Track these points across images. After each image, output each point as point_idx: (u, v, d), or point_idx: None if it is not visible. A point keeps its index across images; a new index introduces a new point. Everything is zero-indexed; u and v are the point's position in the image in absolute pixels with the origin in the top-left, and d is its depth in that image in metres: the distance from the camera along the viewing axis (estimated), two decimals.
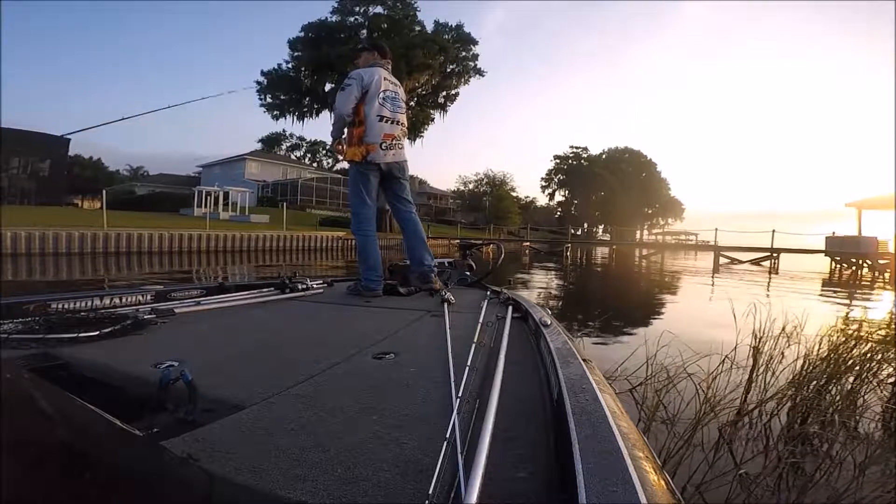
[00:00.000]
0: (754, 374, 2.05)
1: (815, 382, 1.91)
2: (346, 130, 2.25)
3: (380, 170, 2.23)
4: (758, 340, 2.15)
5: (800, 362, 2.04)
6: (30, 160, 26.75)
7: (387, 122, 2.19)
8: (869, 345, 2.17)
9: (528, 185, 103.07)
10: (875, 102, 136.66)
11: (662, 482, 0.46)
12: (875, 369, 2.06)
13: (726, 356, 1.99)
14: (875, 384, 2.03)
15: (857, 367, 2.03)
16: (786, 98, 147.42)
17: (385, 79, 2.22)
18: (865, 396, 1.96)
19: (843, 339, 2.18)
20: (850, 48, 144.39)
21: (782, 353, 2.17)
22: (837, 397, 1.89)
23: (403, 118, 2.30)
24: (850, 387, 1.96)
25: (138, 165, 46.45)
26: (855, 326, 2.48)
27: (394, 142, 2.22)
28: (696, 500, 1.33)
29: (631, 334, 3.74)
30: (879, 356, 2.09)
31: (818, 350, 2.09)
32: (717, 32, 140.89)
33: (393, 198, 2.36)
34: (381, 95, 2.18)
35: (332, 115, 2.25)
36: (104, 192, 13.75)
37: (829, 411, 1.80)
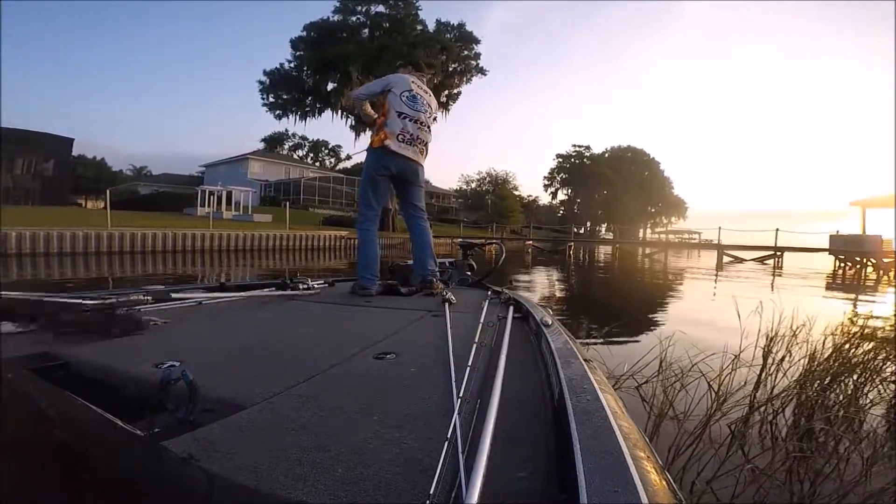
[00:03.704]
0: (763, 372, 2.05)
1: (818, 382, 1.91)
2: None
3: (390, 172, 2.28)
4: (768, 340, 2.14)
5: (807, 360, 2.04)
6: (34, 160, 26.91)
7: (405, 118, 2.27)
8: (874, 343, 2.16)
9: (531, 183, 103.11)
10: (878, 101, 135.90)
11: (663, 482, 0.46)
12: (880, 367, 2.05)
13: (736, 356, 1.98)
14: (879, 381, 2.03)
15: (863, 365, 2.02)
16: (789, 97, 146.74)
17: (413, 82, 2.35)
18: (870, 395, 1.95)
19: (849, 337, 2.18)
20: (852, 47, 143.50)
21: (790, 352, 2.17)
22: (842, 396, 1.89)
23: (426, 119, 2.36)
24: (855, 384, 1.96)
25: (141, 165, 46.74)
26: (861, 325, 2.47)
27: (411, 138, 2.28)
28: (707, 495, 1.32)
29: (637, 333, 3.73)
30: (883, 354, 2.09)
31: (824, 348, 2.08)
32: (720, 31, 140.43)
33: (406, 203, 2.42)
34: (406, 94, 2.29)
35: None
36: (108, 192, 13.82)
37: (835, 408, 1.80)
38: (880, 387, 2.01)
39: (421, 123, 2.31)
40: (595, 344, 2.99)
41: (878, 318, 4.28)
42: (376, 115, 2.32)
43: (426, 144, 2.37)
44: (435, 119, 2.47)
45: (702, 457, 1.48)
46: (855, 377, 1.99)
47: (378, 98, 2.34)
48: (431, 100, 2.42)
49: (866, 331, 2.31)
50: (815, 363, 2.00)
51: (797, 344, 2.22)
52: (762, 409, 1.82)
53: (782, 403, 1.83)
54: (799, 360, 2.10)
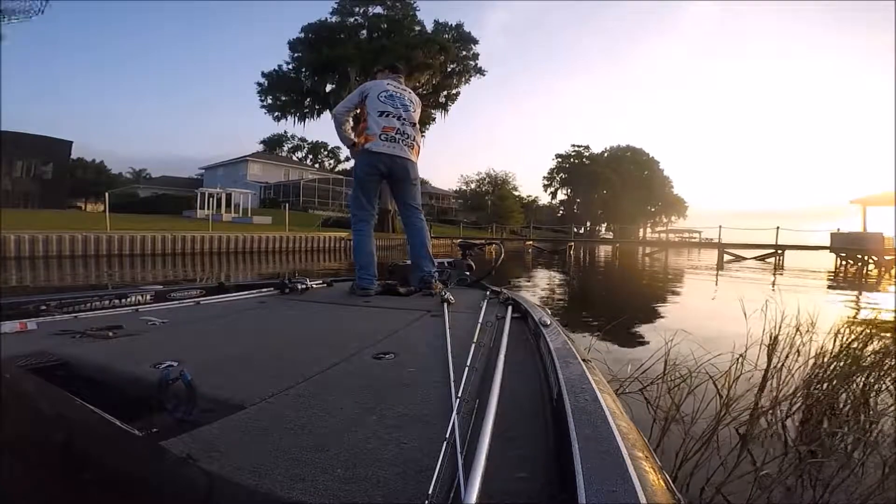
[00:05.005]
0: (769, 373, 2.01)
1: (827, 384, 1.87)
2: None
3: (379, 172, 2.28)
4: (772, 339, 2.11)
5: (814, 360, 2.00)
6: (33, 163, 26.90)
7: (386, 116, 2.28)
8: (883, 342, 2.12)
9: (530, 184, 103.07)
10: (878, 100, 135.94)
11: (662, 482, 0.46)
12: (892, 366, 2.00)
13: (740, 356, 1.95)
14: (891, 382, 1.97)
15: (873, 365, 1.98)
16: (789, 96, 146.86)
17: (388, 84, 2.37)
18: (881, 396, 1.91)
19: (857, 336, 2.13)
20: (852, 47, 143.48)
21: (798, 352, 2.13)
22: (852, 397, 1.85)
23: (408, 115, 2.35)
24: (867, 385, 1.92)
25: (141, 168, 46.77)
26: (868, 323, 2.43)
27: (395, 135, 2.28)
28: (718, 501, 1.31)
29: (639, 332, 3.71)
30: (894, 352, 2.04)
31: (832, 348, 2.04)
32: (720, 32, 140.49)
33: (401, 203, 2.41)
34: (383, 95, 2.31)
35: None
36: (107, 194, 13.84)
37: (846, 409, 1.76)
38: (892, 387, 1.96)
39: (403, 119, 2.32)
40: (597, 346, 2.97)
41: (884, 316, 4.26)
42: (354, 138, 2.34)
43: (414, 139, 2.36)
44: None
45: (710, 461, 1.45)
46: (865, 377, 1.94)
47: (359, 108, 2.36)
48: (412, 96, 2.44)
49: (874, 329, 2.28)
50: (824, 362, 1.95)
51: (803, 343, 2.17)
52: (770, 411, 1.79)
53: (791, 405, 1.80)
54: (807, 360, 2.06)
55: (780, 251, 15.97)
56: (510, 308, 1.47)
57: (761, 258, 16.37)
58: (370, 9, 23.79)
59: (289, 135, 47.11)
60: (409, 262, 2.41)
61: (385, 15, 23.73)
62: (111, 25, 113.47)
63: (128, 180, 41.69)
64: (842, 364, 1.95)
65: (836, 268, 13.78)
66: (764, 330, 2.17)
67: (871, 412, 1.78)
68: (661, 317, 4.83)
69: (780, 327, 2.18)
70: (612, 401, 0.66)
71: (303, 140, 48.64)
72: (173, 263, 10.20)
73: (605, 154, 53.06)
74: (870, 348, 2.07)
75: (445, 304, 1.58)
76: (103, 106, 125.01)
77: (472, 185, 44.67)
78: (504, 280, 6.19)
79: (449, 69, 24.44)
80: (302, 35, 23.87)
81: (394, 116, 2.28)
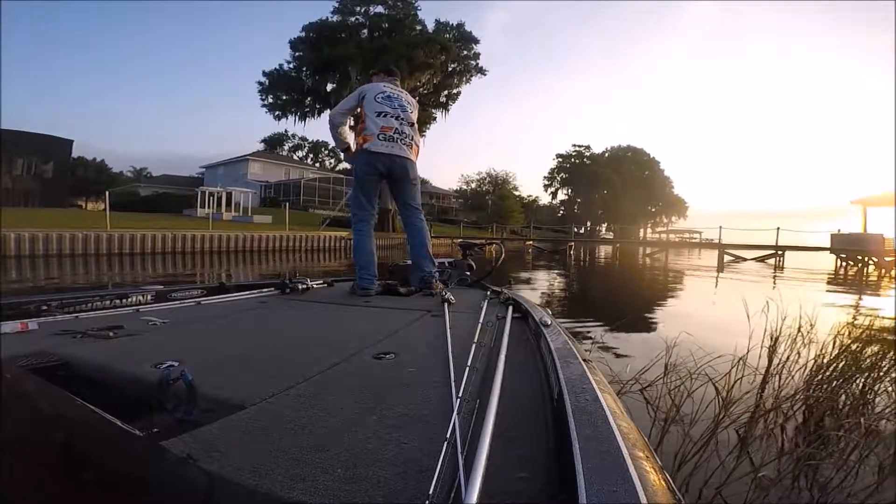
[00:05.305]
0: (768, 374, 2.01)
1: (826, 385, 1.87)
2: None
3: (379, 171, 2.29)
4: (773, 340, 2.10)
5: (814, 362, 2.00)
6: (33, 162, 26.91)
7: (384, 116, 2.29)
8: (881, 344, 2.12)
9: (531, 184, 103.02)
10: (878, 100, 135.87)
11: (662, 482, 0.46)
12: (889, 368, 1.99)
13: (741, 358, 1.95)
14: (889, 383, 1.96)
15: (873, 366, 1.97)
16: (789, 96, 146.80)
17: (385, 85, 2.39)
18: (880, 398, 1.90)
19: (857, 337, 2.13)
20: (852, 47, 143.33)
21: (798, 353, 2.13)
22: (851, 399, 1.85)
23: (406, 115, 2.36)
24: (864, 386, 1.91)
25: (141, 167, 46.77)
26: (868, 325, 2.42)
27: (393, 134, 2.29)
28: (717, 502, 1.30)
29: (640, 334, 3.71)
30: (892, 354, 2.03)
31: (832, 349, 2.04)
32: (720, 32, 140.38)
33: (400, 203, 2.41)
34: (380, 96, 2.32)
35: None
36: (108, 193, 13.85)
37: (844, 410, 1.76)
38: (890, 388, 1.95)
39: (401, 119, 2.33)
40: (597, 346, 2.96)
41: (883, 318, 4.25)
42: (349, 142, 2.36)
43: (412, 138, 2.37)
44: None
45: (709, 463, 1.45)
46: (864, 378, 1.93)
47: (357, 110, 2.38)
48: (409, 97, 2.46)
49: (873, 331, 2.27)
50: (825, 364, 1.95)
51: (804, 345, 2.17)
52: (770, 413, 1.78)
53: (791, 406, 1.80)
54: (806, 361, 2.06)
55: (780, 252, 15.96)
56: (511, 308, 1.47)
57: (762, 259, 16.35)
58: (371, 8, 23.79)
59: (289, 134, 47.21)
60: (409, 262, 2.41)
61: (386, 14, 23.73)
62: (111, 25, 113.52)
63: (128, 179, 41.69)
64: (841, 365, 1.95)
65: (836, 269, 13.76)
66: (765, 331, 2.17)
67: (869, 413, 1.78)
68: (662, 318, 4.83)
69: (780, 329, 2.17)
70: (613, 401, 0.66)
71: (303, 139, 48.73)
72: (174, 262, 10.20)
73: (606, 154, 53.06)
74: (869, 350, 2.06)
75: (446, 304, 1.57)
76: (103, 105, 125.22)
77: (473, 185, 44.67)
78: (504, 280, 6.18)
79: (450, 69, 24.44)
80: (303, 34, 23.86)
81: (392, 116, 2.29)
